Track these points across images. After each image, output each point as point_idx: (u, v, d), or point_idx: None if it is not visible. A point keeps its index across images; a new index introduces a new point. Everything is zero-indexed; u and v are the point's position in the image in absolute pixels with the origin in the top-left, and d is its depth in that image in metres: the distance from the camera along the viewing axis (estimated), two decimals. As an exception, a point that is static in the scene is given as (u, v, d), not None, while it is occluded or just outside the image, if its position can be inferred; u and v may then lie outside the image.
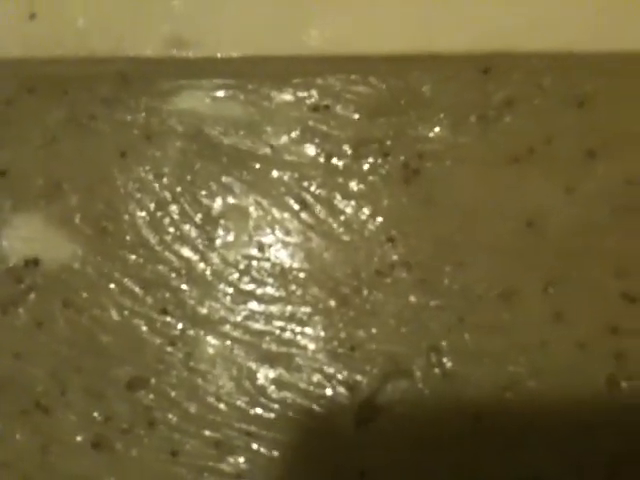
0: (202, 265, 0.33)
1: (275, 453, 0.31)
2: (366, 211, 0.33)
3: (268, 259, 0.33)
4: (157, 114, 0.35)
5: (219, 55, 0.34)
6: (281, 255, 0.33)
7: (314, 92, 0.34)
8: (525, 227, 0.33)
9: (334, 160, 0.34)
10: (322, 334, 0.32)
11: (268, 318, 0.32)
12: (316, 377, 0.32)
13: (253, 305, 0.33)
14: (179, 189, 0.34)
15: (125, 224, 0.34)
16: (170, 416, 0.32)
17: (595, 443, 0.30)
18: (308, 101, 0.34)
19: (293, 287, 0.33)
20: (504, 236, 0.33)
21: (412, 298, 0.32)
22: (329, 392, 0.31)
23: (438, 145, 0.33)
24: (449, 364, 0.32)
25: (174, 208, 0.34)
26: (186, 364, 0.32)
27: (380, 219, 0.33)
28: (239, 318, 0.33)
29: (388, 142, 0.34)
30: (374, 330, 0.32)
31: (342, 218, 0.33)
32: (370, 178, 0.34)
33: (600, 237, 0.32)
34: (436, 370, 0.32)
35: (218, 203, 0.34)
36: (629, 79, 0.33)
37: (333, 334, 0.32)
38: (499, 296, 0.32)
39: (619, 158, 0.33)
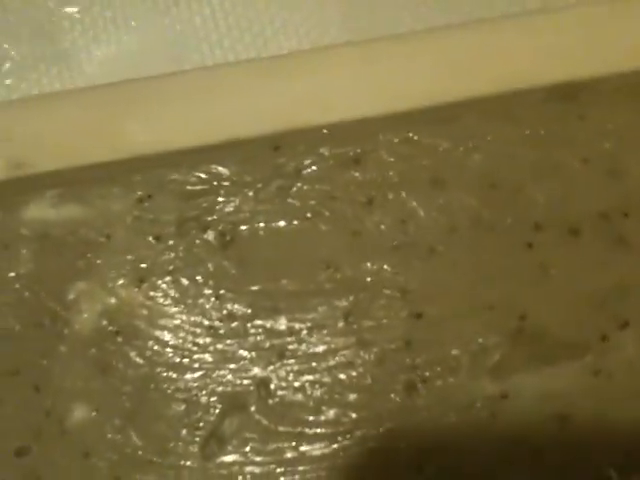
0: (62, 347, 0.39)
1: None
2: (196, 277, 0.40)
3: (118, 332, 0.39)
4: (10, 225, 0.41)
5: (53, 169, 0.41)
6: (127, 327, 0.39)
7: (138, 186, 0.41)
8: (324, 269, 0.39)
9: (162, 239, 0.40)
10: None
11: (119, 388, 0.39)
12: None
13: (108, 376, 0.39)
14: (36, 285, 0.40)
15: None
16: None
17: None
18: (134, 194, 0.41)
19: (148, 353, 0.39)
20: (306, 279, 0.39)
21: (235, 342, 0.39)
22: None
23: (246, 214, 0.40)
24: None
25: (34, 302, 0.40)
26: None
27: (210, 281, 0.40)
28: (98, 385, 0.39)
29: (205, 218, 0.40)
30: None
31: (177, 286, 0.40)
32: (194, 249, 0.40)
33: (383, 269, 0.39)
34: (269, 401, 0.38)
35: (70, 291, 0.40)
36: (389, 137, 0.41)
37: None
38: (309, 329, 0.39)
39: (393, 202, 0.40)
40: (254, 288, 0.39)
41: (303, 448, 0.37)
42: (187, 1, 0.45)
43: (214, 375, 0.38)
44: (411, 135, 0.41)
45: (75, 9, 0.45)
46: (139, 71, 0.43)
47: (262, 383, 0.38)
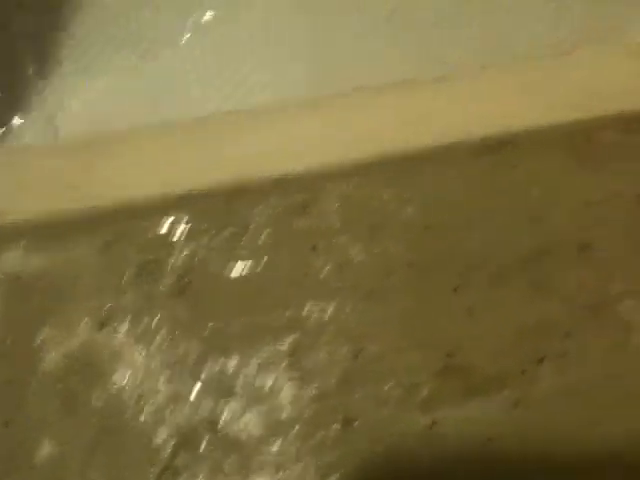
0: (30, 386, 0.43)
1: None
2: (153, 320, 0.43)
3: (81, 372, 0.43)
4: (-16, 272, 0.44)
5: (25, 219, 0.45)
6: (90, 367, 0.43)
7: (103, 235, 0.44)
8: (272, 310, 0.43)
9: (123, 285, 0.44)
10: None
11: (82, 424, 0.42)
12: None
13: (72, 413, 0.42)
14: (7, 328, 0.43)
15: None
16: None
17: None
18: (98, 243, 0.44)
19: (108, 392, 0.43)
20: (255, 320, 0.43)
21: (188, 381, 0.42)
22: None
23: (200, 260, 0.44)
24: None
25: (5, 344, 0.43)
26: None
27: (166, 324, 0.43)
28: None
29: (163, 264, 0.44)
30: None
31: (135, 328, 0.43)
32: (152, 294, 0.44)
33: (326, 309, 0.43)
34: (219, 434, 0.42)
35: (38, 333, 0.43)
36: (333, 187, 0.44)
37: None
38: (257, 367, 0.42)
39: (336, 247, 0.44)
40: (207, 330, 0.43)
41: (249, 479, 0.41)
42: (163, 54, 0.49)
43: (168, 412, 0.42)
44: (353, 186, 0.45)
45: (48, 62, 0.49)
46: (113, 120, 0.47)
47: (212, 419, 0.42)
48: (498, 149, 0.45)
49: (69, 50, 0.49)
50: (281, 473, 0.41)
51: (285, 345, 0.42)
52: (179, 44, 0.49)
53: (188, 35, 0.49)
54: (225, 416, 0.41)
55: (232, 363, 0.42)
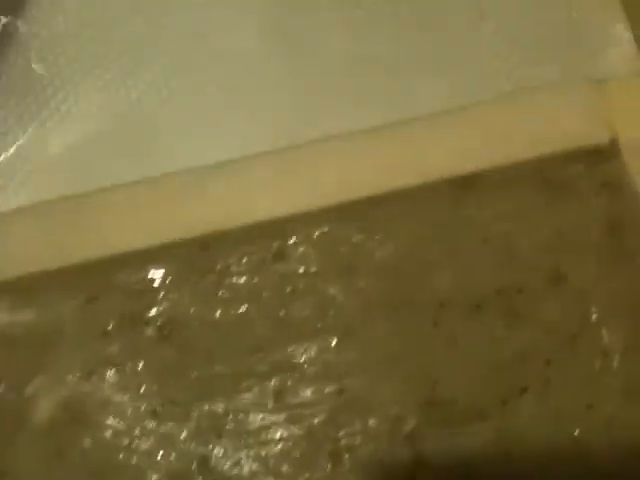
0: (23, 436, 0.43)
1: None
2: (139, 367, 0.44)
3: (72, 420, 0.43)
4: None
5: (9, 277, 0.46)
6: (80, 415, 0.43)
7: (85, 288, 0.45)
8: (255, 353, 0.44)
9: (108, 335, 0.45)
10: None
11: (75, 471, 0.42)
12: None
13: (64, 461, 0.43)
14: (-2, 382, 0.44)
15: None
16: None
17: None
18: (82, 296, 0.45)
19: (99, 438, 0.43)
20: (239, 364, 0.44)
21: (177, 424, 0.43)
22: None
23: (182, 308, 0.45)
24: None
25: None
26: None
27: (152, 371, 0.44)
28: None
29: (146, 313, 0.45)
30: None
31: (122, 376, 0.44)
32: (137, 342, 0.45)
33: (308, 350, 0.44)
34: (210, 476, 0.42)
35: (29, 385, 0.44)
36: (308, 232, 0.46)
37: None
38: (244, 409, 0.43)
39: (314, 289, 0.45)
40: (192, 375, 0.44)
41: (242, 519, 0.41)
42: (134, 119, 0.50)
43: (159, 455, 0.42)
44: (327, 229, 0.46)
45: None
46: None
47: (202, 461, 0.42)
48: (467, 186, 0.46)
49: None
50: (272, 512, 0.41)
51: (270, 387, 0.43)
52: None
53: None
54: (215, 458, 0.42)
55: (220, 406, 0.43)
